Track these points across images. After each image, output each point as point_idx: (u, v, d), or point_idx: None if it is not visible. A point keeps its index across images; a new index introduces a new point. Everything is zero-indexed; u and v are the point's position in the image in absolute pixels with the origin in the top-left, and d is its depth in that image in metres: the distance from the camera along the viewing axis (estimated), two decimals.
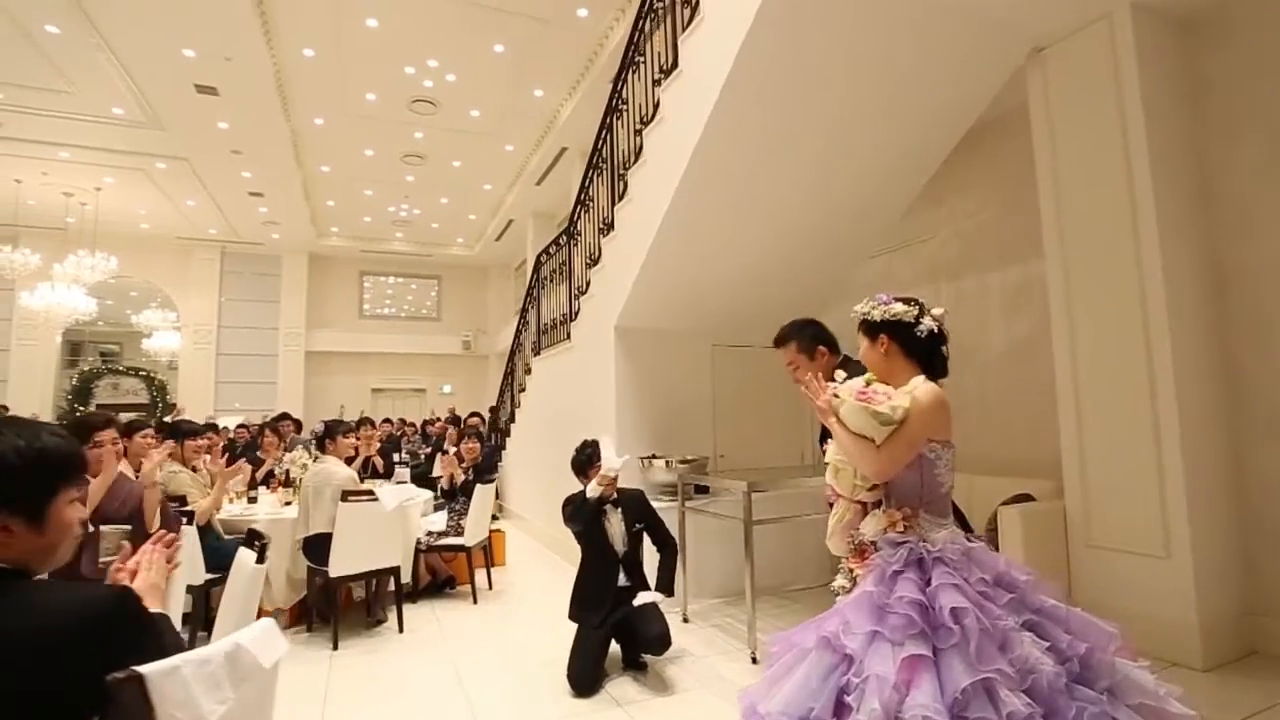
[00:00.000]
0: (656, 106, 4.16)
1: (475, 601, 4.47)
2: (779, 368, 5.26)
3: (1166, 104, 3.44)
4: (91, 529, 2.65)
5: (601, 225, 5.07)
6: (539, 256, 6.98)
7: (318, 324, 14.17)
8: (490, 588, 4.81)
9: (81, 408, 11.94)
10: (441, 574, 4.74)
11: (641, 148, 4.37)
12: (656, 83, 4.20)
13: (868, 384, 1.79)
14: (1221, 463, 3.34)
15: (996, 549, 3.74)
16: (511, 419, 7.77)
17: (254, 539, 2.27)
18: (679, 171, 3.78)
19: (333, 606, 3.82)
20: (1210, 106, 3.49)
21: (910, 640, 1.59)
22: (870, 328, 1.92)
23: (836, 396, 1.79)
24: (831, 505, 2.06)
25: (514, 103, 9.01)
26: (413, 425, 10.25)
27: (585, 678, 3.03)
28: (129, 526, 2.75)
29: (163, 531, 1.61)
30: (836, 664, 1.69)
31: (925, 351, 1.88)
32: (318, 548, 3.71)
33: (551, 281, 6.64)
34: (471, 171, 11.21)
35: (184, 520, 2.87)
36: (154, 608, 1.43)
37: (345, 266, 14.66)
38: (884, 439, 1.71)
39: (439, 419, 10.17)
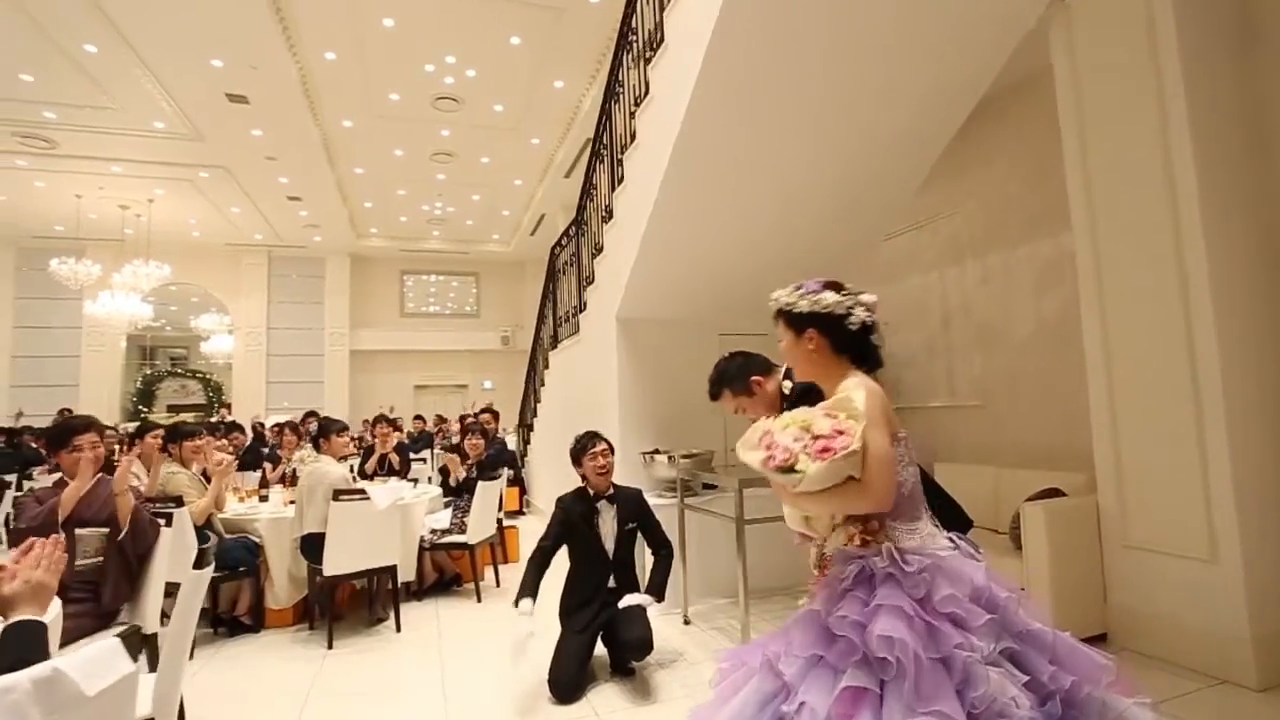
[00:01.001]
0: (647, 86, 3.98)
1: (479, 600, 4.43)
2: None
3: (1210, 51, 3.04)
4: (64, 534, 2.70)
5: (604, 213, 4.92)
6: (553, 249, 6.90)
7: (361, 323, 14.55)
8: (498, 585, 4.76)
9: (145, 409, 12.62)
10: (449, 572, 4.72)
11: (635, 131, 4.19)
12: (648, 61, 4.01)
13: (807, 430, 1.48)
14: (1277, 455, 2.94)
15: (1019, 548, 3.45)
16: (534, 414, 7.74)
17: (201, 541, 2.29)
18: (667, 151, 3.60)
19: (329, 605, 3.83)
20: (1263, 51, 3.06)
21: (853, 669, 1.39)
22: (796, 320, 1.69)
23: (794, 471, 1.45)
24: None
25: (536, 95, 8.94)
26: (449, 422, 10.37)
27: (566, 684, 2.91)
28: (106, 529, 2.80)
29: (57, 536, 1.55)
30: (777, 690, 1.51)
31: (857, 344, 1.65)
32: (314, 547, 3.72)
33: (564, 274, 6.55)
34: (500, 167, 11.22)
35: (163, 523, 2.88)
36: (33, 612, 1.36)
37: (386, 266, 14.98)
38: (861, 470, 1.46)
39: (475, 415, 10.24)
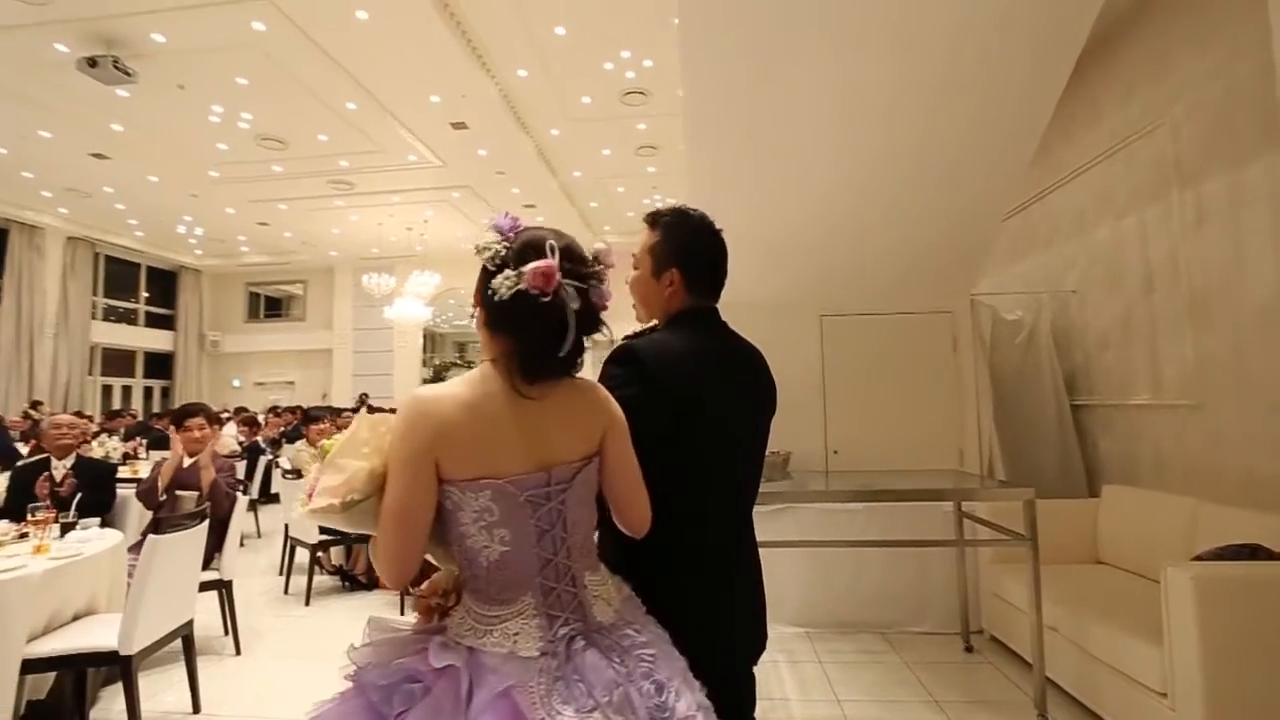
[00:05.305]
0: None
1: None
2: (916, 338, 4.05)
3: None
4: (165, 497, 3.45)
5: None
6: None
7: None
8: None
9: None
10: None
11: None
12: None
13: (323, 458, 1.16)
14: None
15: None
16: None
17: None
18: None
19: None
20: None
21: None
22: None
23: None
24: None
25: None
26: None
27: None
28: (198, 493, 3.50)
29: None
30: None
31: (505, 324, 1.12)
32: None
33: None
34: None
35: (239, 491, 3.52)
36: None
37: (623, 261, 15.85)
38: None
39: None
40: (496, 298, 1.11)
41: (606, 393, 1.30)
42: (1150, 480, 3.43)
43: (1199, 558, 2.31)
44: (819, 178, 3.37)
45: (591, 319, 1.20)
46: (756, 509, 3.07)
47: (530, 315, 1.10)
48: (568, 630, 1.07)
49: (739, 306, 4.04)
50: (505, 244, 1.16)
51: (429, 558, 1.29)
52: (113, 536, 2.97)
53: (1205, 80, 3.07)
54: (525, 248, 1.13)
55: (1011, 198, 3.47)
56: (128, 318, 14.57)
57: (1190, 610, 2.07)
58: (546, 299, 1.09)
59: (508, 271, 1.11)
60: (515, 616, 1.07)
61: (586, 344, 1.26)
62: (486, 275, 1.16)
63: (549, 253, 1.11)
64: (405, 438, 1.06)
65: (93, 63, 6.83)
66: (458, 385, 1.13)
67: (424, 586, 1.22)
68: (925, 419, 3.98)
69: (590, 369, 1.28)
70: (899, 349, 4.01)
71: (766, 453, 3.87)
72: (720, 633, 1.38)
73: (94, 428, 8.74)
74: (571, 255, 1.16)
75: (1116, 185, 3.68)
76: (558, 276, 1.09)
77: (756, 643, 1.50)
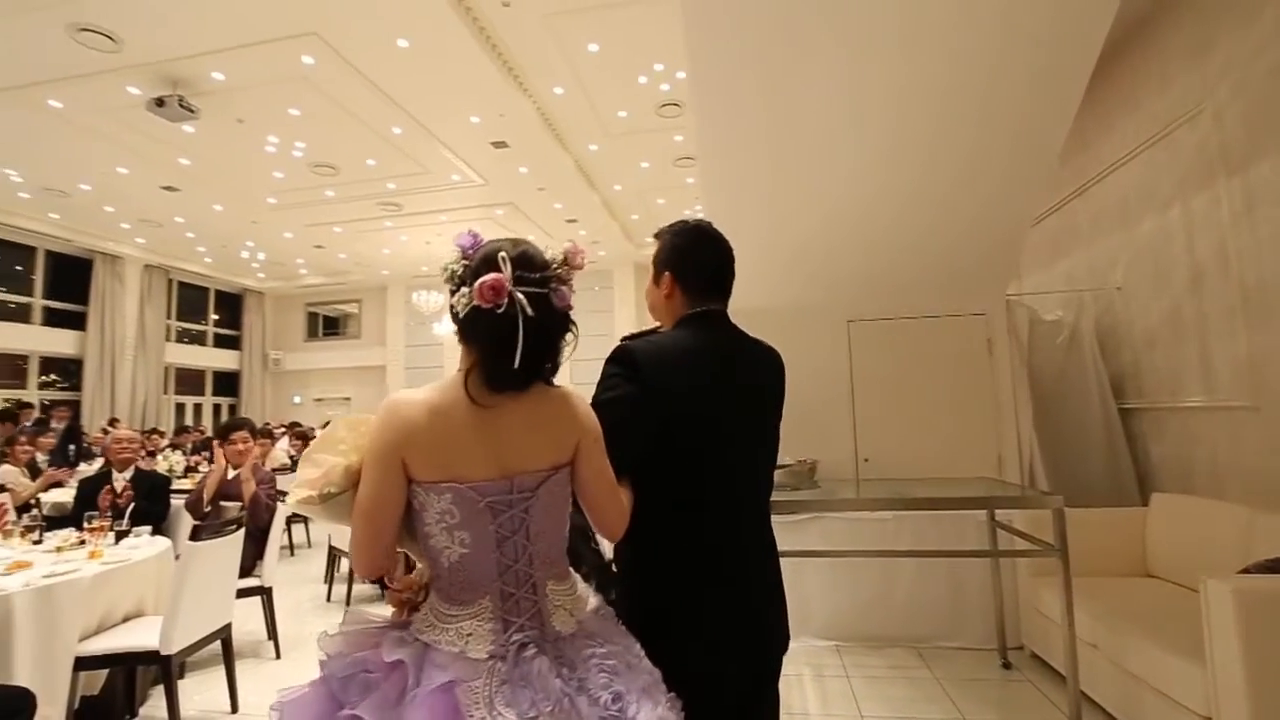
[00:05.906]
0: None
1: None
2: (948, 342, 3.93)
3: None
4: (209, 508, 3.63)
5: None
6: None
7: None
8: None
9: None
10: None
11: None
12: None
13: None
14: None
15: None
16: None
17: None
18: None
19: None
20: None
21: None
22: None
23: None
24: None
25: None
26: None
27: None
28: (240, 503, 3.67)
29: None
30: None
31: (470, 337, 1.18)
32: None
33: None
34: None
35: (279, 501, 3.67)
36: None
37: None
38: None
39: None
40: (459, 315, 1.16)
41: (581, 401, 1.32)
42: (1207, 487, 3.20)
43: (1246, 570, 2.15)
44: (830, 181, 3.33)
45: (555, 323, 1.22)
46: (782, 518, 3.02)
47: (486, 329, 1.14)
48: (521, 636, 1.09)
49: (763, 312, 4.03)
50: (465, 262, 1.20)
51: (409, 554, 1.35)
52: (161, 543, 3.15)
53: (1249, 59, 2.87)
54: (481, 264, 1.17)
55: (1038, 197, 3.32)
56: (198, 339, 15.47)
57: (1232, 627, 1.93)
58: (500, 310, 1.12)
59: (464, 289, 1.16)
60: (471, 618, 1.10)
61: (563, 345, 1.30)
62: (452, 294, 1.21)
63: (500, 264, 1.14)
64: (377, 436, 1.13)
65: (160, 102, 7.33)
66: (430, 390, 1.18)
67: (399, 581, 1.26)
68: (960, 425, 3.84)
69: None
70: (931, 353, 3.89)
71: (794, 461, 3.81)
72: (720, 632, 1.37)
73: (164, 443, 9.29)
74: (526, 263, 1.19)
75: (1159, 175, 3.48)
76: (508, 288, 1.12)
77: (769, 647, 1.46)
